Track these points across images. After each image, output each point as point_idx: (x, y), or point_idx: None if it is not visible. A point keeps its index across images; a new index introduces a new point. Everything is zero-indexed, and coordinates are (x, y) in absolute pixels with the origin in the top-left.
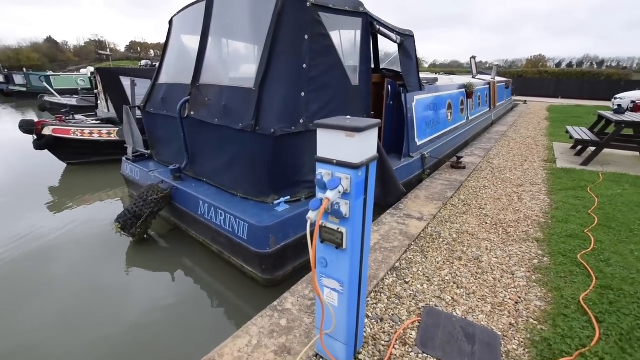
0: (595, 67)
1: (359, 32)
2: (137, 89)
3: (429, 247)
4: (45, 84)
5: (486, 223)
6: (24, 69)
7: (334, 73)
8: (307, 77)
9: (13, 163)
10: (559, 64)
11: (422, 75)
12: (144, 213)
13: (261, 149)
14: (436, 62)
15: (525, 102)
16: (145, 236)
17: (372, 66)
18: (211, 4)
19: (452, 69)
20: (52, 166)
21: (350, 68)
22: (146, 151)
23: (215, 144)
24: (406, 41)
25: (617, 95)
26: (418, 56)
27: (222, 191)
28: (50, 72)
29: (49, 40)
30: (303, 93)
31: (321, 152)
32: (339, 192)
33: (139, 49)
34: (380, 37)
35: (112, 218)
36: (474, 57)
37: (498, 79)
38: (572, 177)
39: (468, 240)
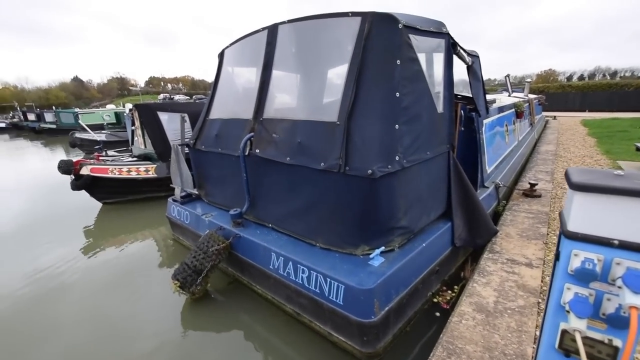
0: (609, 78)
1: (441, 55)
2: (171, 124)
3: None
4: (80, 121)
5: None
6: (54, 107)
7: (423, 101)
8: (400, 107)
9: (46, 203)
10: (569, 77)
11: None
12: (205, 267)
13: (352, 192)
14: None
15: (554, 117)
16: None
17: None
18: (274, 32)
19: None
20: (88, 205)
21: (434, 94)
22: (194, 191)
23: (286, 186)
24: (475, 62)
25: None
26: (483, 78)
27: (296, 240)
28: (77, 109)
29: (75, 79)
30: (397, 125)
31: (582, 225)
32: None
33: (162, 84)
34: None
35: (155, 266)
36: (508, 76)
37: (531, 95)
38: None
39: None
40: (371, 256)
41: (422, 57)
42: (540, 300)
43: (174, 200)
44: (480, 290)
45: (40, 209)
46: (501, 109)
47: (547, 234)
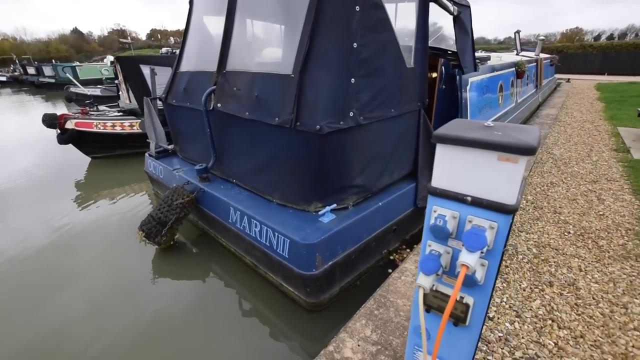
0: None
1: (413, 3)
2: (159, 78)
3: (507, 266)
4: (68, 75)
5: (568, 232)
6: (53, 61)
7: (388, 53)
8: (357, 60)
9: (38, 157)
10: (598, 37)
11: None
12: (169, 219)
13: (303, 148)
14: None
15: (568, 80)
16: (172, 242)
17: None
18: None
19: (480, 46)
20: (77, 160)
21: (404, 47)
22: (169, 147)
23: (247, 141)
24: (463, 13)
25: None
26: (473, 31)
27: (256, 196)
28: (76, 63)
29: (75, 31)
30: (353, 79)
31: (441, 180)
32: (482, 253)
33: (159, 37)
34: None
35: (134, 218)
36: (518, 32)
37: (543, 55)
38: None
39: (553, 257)
40: (320, 213)
41: (390, 4)
42: None
43: (150, 155)
44: None
45: (40, 162)
46: (495, 68)
47: None
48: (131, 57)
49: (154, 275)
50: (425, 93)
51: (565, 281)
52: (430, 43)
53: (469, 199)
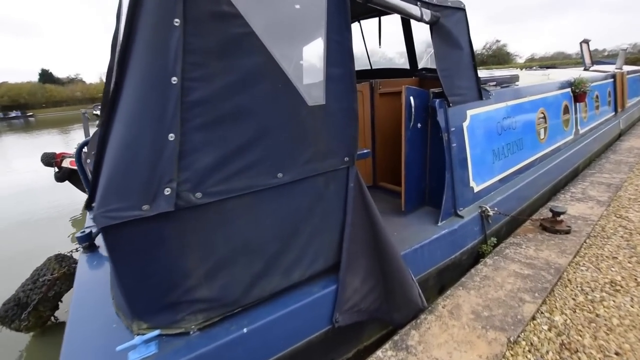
0: None
1: (320, 5)
2: None
3: None
4: None
5: None
6: None
7: (258, 88)
8: (182, 102)
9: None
10: None
11: (486, 73)
12: (31, 300)
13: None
14: (535, 55)
15: None
16: (52, 320)
17: (408, 66)
18: None
19: (555, 61)
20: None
21: (297, 76)
22: None
23: None
24: (446, 18)
25: None
26: (472, 43)
27: (108, 294)
28: None
29: None
30: (172, 135)
31: None
32: None
33: None
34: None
35: None
36: (586, 42)
37: (627, 68)
38: None
39: None
40: (122, 347)
41: (267, 10)
42: None
43: None
44: None
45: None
46: (524, 92)
47: (533, 317)
48: None
49: None
50: (355, 141)
51: None
52: (429, 63)
53: None
